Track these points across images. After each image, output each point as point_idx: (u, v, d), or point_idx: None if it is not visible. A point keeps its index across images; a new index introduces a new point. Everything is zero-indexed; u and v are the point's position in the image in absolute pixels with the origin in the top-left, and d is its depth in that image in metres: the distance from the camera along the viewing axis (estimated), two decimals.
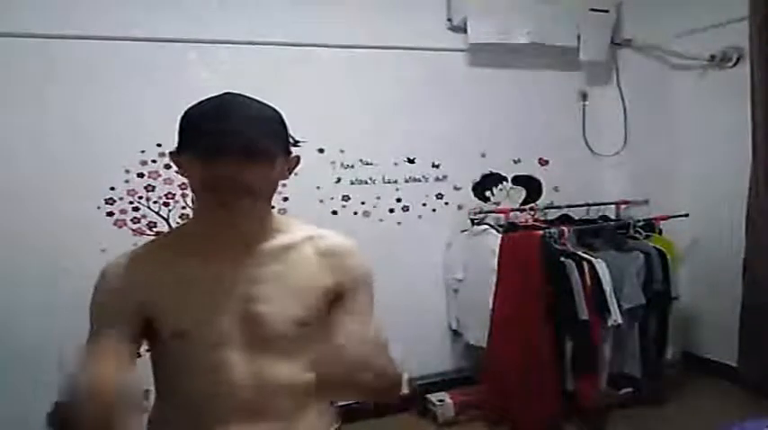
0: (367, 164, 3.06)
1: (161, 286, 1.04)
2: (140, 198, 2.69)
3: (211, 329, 1.04)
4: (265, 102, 1.04)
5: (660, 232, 3.18)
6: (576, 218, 3.33)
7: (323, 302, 1.10)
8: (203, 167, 0.99)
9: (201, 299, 1.05)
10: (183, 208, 2.74)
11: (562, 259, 2.77)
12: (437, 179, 3.23)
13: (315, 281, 1.10)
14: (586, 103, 3.53)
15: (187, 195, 2.73)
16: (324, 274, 1.11)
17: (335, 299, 1.11)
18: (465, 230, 3.19)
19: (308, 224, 1.18)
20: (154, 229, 2.71)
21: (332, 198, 3.01)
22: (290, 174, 1.11)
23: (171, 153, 1.07)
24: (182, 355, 1.05)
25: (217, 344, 1.04)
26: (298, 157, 1.11)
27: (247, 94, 1.03)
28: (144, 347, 1.10)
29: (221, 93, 1.03)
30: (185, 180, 1.07)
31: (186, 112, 1.03)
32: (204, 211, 1.09)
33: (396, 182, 3.13)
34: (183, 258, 1.07)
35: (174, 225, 2.73)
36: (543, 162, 3.46)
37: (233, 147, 0.98)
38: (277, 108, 1.06)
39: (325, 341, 0.98)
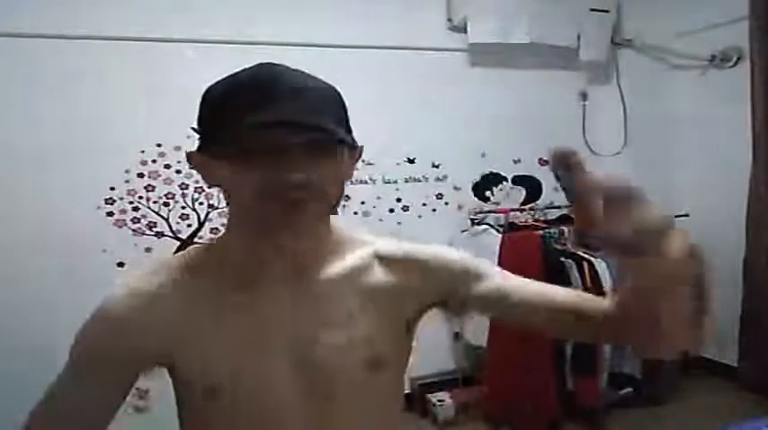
0: (367, 164, 3.06)
1: (189, 330, 0.79)
2: (140, 198, 2.68)
3: (254, 385, 0.80)
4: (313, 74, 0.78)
5: None
6: None
7: (407, 334, 0.90)
8: (260, 170, 0.72)
9: (240, 346, 0.80)
10: (183, 208, 2.74)
11: (562, 259, 2.77)
12: (437, 179, 3.23)
13: (394, 309, 0.87)
14: (586, 102, 3.53)
15: (187, 195, 2.73)
16: (407, 295, 0.88)
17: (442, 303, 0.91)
18: (465, 230, 3.19)
19: (371, 234, 0.93)
20: (154, 229, 2.70)
21: None
22: (353, 169, 0.86)
23: (191, 154, 0.79)
24: (216, 419, 0.81)
25: (263, 402, 0.80)
26: (361, 147, 0.86)
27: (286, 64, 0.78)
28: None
29: (254, 65, 0.77)
30: (186, 180, 0.92)
31: (211, 94, 0.76)
32: (251, 228, 0.80)
33: (396, 182, 3.13)
34: (219, 292, 0.81)
35: (174, 225, 2.73)
36: (543, 162, 3.46)
37: (299, 138, 0.71)
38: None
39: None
